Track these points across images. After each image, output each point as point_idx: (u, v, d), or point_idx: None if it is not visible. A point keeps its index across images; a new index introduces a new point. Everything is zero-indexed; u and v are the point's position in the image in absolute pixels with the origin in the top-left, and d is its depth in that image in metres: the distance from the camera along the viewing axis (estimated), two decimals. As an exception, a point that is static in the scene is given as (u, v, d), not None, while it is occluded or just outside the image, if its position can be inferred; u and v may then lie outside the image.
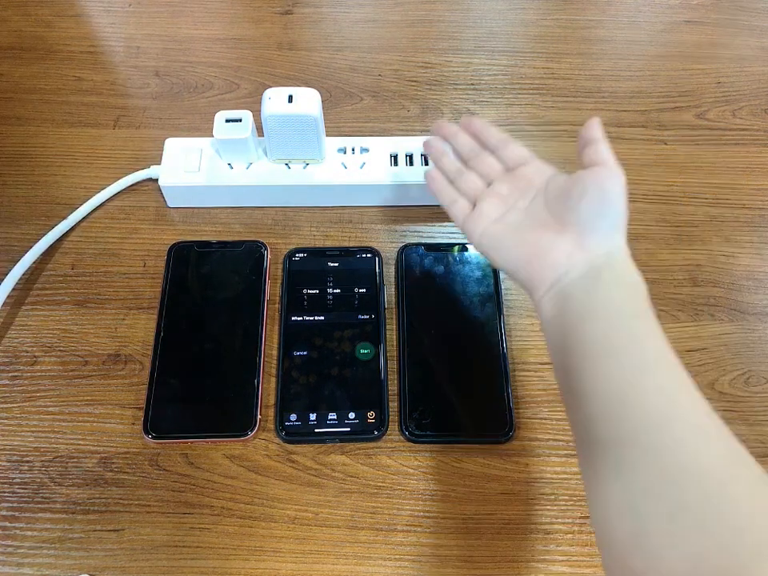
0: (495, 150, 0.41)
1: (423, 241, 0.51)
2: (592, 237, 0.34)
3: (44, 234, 0.49)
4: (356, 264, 0.49)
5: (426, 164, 0.51)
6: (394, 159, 0.52)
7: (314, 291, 0.48)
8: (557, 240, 0.35)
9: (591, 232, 0.34)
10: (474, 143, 0.42)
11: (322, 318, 0.47)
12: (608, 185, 0.34)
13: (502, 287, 0.48)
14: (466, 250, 0.50)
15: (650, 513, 0.26)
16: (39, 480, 0.41)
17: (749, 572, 0.23)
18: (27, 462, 0.42)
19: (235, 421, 0.43)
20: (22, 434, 0.43)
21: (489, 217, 0.38)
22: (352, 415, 0.43)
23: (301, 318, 0.46)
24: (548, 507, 0.41)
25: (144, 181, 0.53)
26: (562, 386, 0.33)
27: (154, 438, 0.42)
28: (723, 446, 0.27)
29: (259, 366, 0.44)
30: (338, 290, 0.48)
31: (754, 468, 0.27)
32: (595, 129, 0.36)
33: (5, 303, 0.46)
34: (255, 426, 0.42)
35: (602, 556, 0.29)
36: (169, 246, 0.49)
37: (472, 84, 0.61)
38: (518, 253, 0.36)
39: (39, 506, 0.41)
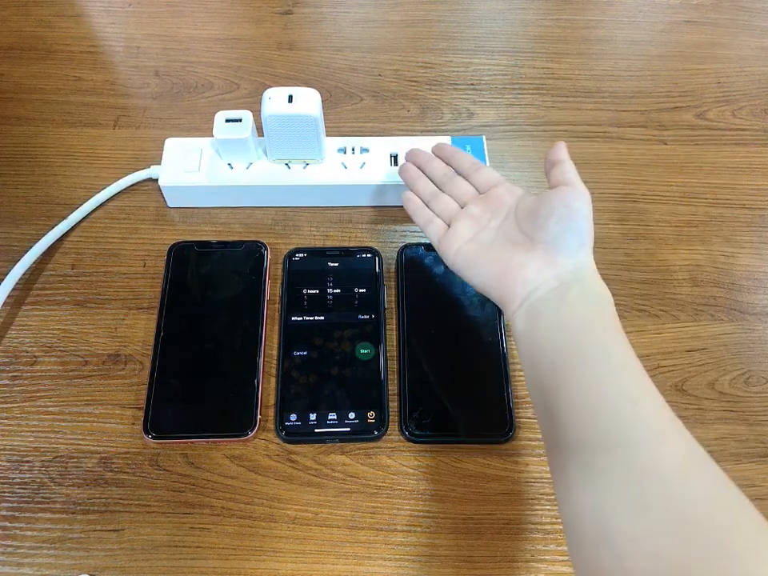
0: (467, 176, 0.43)
1: (423, 241, 0.51)
2: (560, 253, 0.36)
3: (44, 234, 0.49)
4: (356, 264, 0.49)
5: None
6: (394, 159, 0.52)
7: (314, 291, 0.48)
8: (527, 257, 0.36)
9: (559, 249, 0.36)
10: (447, 169, 0.45)
11: (322, 318, 0.47)
12: (574, 204, 0.36)
13: (502, 287, 0.48)
14: (466, 249, 0.50)
15: (613, 513, 0.27)
16: (39, 480, 0.41)
17: (708, 570, 0.24)
18: (27, 461, 0.42)
19: (235, 421, 0.43)
20: (22, 433, 0.43)
21: (462, 236, 0.40)
22: (352, 415, 0.43)
23: (301, 318, 0.46)
24: (548, 507, 0.41)
25: (144, 181, 0.53)
26: (534, 395, 0.35)
27: (154, 438, 0.42)
28: (683, 449, 0.29)
29: (259, 365, 0.44)
30: (337, 290, 0.48)
31: (713, 470, 0.28)
32: (561, 151, 0.38)
33: (5, 303, 0.46)
34: (255, 425, 0.42)
35: (571, 557, 0.30)
36: (169, 246, 0.49)
37: (472, 84, 0.61)
38: (490, 270, 0.38)
39: (39, 506, 0.41)
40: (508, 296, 0.36)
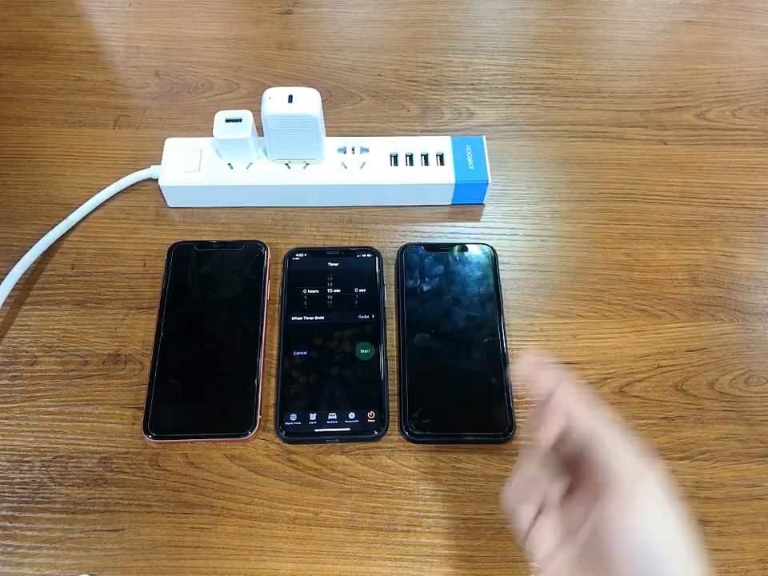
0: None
1: (423, 241, 0.51)
2: None
3: (44, 234, 0.49)
4: (356, 264, 0.49)
5: (426, 164, 0.51)
6: (394, 159, 0.52)
7: (314, 291, 0.48)
8: None
9: None
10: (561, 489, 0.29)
11: (322, 317, 0.47)
12: (635, 531, 0.21)
13: (502, 287, 0.48)
14: (466, 249, 0.50)
15: None
16: (39, 480, 0.41)
17: None
18: (27, 461, 0.42)
19: (235, 421, 0.43)
20: (22, 434, 0.43)
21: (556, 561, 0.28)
22: (352, 415, 0.43)
23: (301, 318, 0.46)
24: (548, 507, 0.41)
25: (144, 181, 0.53)
26: None
27: (154, 438, 0.42)
28: None
29: (259, 365, 0.44)
30: (337, 290, 0.48)
31: None
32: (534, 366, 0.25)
33: (5, 303, 0.46)
34: (255, 426, 0.42)
35: None
36: (169, 246, 0.49)
37: (472, 84, 0.61)
38: None
39: (39, 506, 0.41)
40: None
